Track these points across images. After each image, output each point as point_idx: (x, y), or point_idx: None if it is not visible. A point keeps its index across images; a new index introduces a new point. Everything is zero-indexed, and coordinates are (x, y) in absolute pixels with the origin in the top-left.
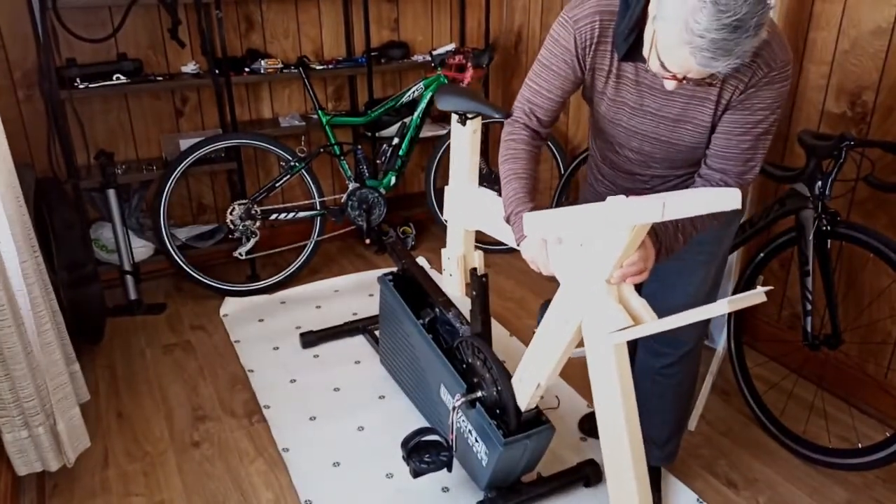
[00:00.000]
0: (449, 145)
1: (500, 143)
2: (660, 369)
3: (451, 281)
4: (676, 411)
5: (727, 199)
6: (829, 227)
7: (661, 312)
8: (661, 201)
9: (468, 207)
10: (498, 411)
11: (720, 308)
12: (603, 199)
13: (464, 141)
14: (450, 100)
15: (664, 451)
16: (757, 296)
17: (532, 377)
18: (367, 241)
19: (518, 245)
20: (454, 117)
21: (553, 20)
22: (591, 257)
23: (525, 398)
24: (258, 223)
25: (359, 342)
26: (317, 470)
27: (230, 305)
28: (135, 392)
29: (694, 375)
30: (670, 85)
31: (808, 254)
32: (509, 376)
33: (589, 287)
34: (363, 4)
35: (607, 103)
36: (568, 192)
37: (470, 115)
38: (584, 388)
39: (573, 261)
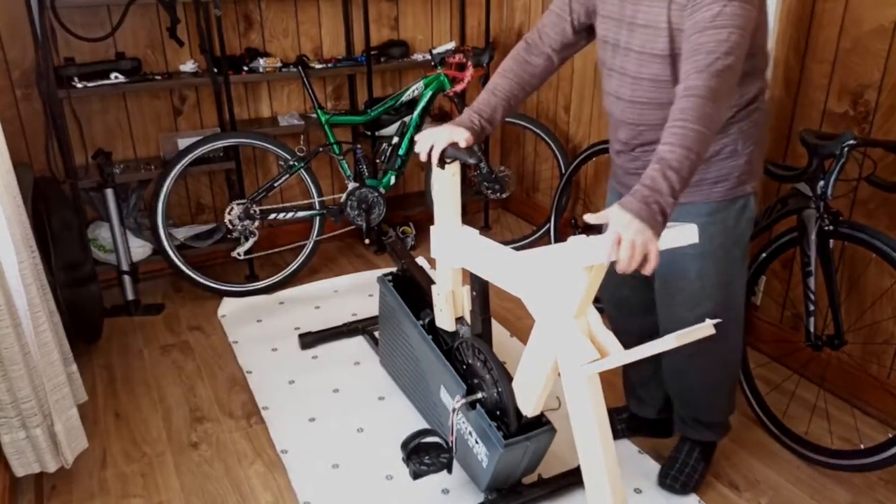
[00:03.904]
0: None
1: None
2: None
3: (442, 316)
4: (717, 378)
5: (685, 235)
6: (831, 227)
7: (670, 308)
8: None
9: (452, 246)
10: (498, 413)
11: (668, 343)
12: (618, 164)
13: (444, 184)
14: None
15: (713, 427)
16: (705, 329)
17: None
18: (367, 241)
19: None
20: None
21: None
22: (558, 295)
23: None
24: (257, 223)
25: (358, 343)
26: (316, 471)
27: (228, 306)
28: (133, 393)
29: (733, 349)
30: None
31: (810, 254)
32: (510, 378)
33: (559, 323)
34: (363, 3)
35: (600, 39)
36: (569, 192)
37: (448, 160)
38: None
39: (544, 299)
